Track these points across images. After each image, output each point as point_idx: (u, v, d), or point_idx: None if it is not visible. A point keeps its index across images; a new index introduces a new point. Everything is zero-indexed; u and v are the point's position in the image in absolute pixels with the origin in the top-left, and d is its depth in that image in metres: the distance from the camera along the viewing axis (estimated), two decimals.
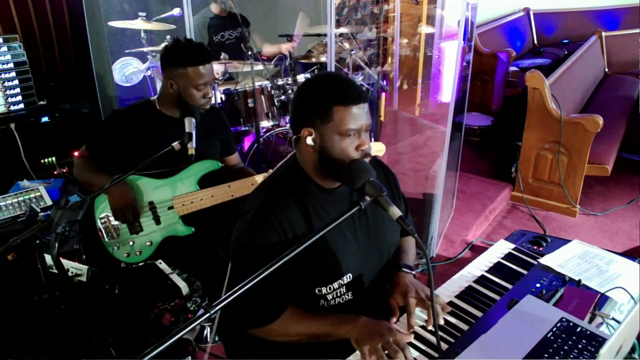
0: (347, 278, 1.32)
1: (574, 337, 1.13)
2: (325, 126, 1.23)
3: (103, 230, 1.93)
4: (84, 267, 1.69)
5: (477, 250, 3.06)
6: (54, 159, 3.58)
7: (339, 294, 1.33)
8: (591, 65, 4.71)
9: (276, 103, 3.10)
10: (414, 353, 1.19)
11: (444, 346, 1.20)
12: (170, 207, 1.96)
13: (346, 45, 3.85)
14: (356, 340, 1.20)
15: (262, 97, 3.08)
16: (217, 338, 2.16)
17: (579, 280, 1.39)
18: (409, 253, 1.52)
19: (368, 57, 4.31)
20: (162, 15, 3.42)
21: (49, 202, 2.41)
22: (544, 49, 5.75)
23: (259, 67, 3.09)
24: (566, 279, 1.40)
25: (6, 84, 3.41)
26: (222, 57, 3.19)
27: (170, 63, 1.93)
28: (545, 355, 1.09)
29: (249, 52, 2.90)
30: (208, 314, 0.90)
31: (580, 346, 1.11)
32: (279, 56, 3.61)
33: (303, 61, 3.89)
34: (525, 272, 1.47)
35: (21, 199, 2.41)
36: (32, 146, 3.45)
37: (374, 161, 1.43)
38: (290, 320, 1.28)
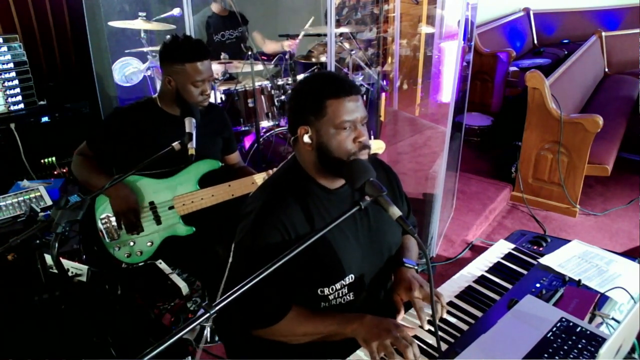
0: (349, 279, 1.32)
1: (573, 337, 1.13)
2: (320, 121, 1.23)
3: (104, 231, 1.93)
4: (84, 267, 1.69)
5: (477, 250, 3.06)
6: (54, 159, 3.58)
7: (340, 295, 1.33)
8: (591, 65, 4.71)
9: (276, 103, 3.10)
10: None
11: (444, 346, 1.20)
12: (171, 207, 1.96)
13: (346, 45, 3.85)
14: (364, 339, 1.19)
15: (262, 97, 3.08)
16: (217, 338, 2.16)
17: (579, 280, 1.39)
18: (412, 250, 1.51)
19: (368, 57, 4.31)
20: (162, 15, 3.42)
21: (49, 202, 2.40)
22: (544, 49, 5.75)
23: (259, 67, 3.09)
24: (566, 279, 1.40)
25: (6, 83, 3.42)
26: (222, 57, 3.20)
27: (168, 59, 1.93)
28: (545, 355, 1.09)
29: (249, 52, 2.91)
30: (208, 314, 0.90)
31: (580, 346, 1.11)
32: (279, 56, 3.62)
33: (303, 61, 3.90)
34: (525, 272, 1.47)
35: (21, 199, 2.41)
36: (32, 146, 3.45)
37: (375, 161, 1.43)
38: (295, 320, 1.28)
